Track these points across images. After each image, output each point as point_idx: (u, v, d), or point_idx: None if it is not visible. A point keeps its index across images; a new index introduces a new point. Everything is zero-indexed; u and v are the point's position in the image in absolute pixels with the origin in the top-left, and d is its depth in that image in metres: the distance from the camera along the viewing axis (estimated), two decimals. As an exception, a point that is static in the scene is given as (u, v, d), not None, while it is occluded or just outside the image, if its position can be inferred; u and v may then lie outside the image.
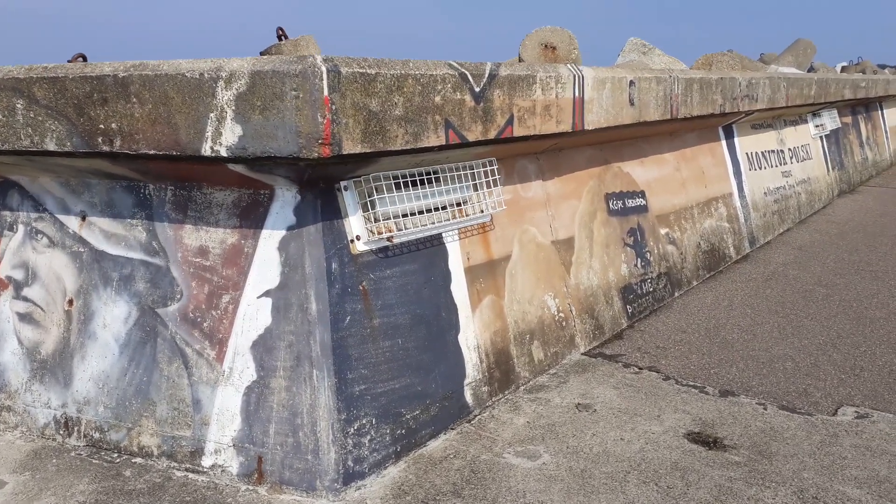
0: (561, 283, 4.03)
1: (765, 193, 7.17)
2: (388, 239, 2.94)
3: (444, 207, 3.32)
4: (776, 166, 7.71)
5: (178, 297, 2.94)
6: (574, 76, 3.63)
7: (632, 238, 4.80)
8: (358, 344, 2.82)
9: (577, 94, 3.66)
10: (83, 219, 3.16)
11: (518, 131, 3.28)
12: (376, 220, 2.93)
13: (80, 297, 3.13)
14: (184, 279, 2.94)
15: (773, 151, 7.73)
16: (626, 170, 4.89)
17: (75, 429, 3.07)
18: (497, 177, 3.48)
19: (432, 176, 3.25)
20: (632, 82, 4.19)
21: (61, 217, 3.21)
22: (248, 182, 2.82)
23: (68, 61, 3.29)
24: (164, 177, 2.96)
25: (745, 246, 6.45)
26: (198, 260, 2.92)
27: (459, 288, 3.34)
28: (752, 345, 4.18)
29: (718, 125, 6.38)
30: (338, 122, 2.40)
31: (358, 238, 2.88)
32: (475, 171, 3.46)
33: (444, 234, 3.31)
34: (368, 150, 2.54)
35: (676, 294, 5.17)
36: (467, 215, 3.43)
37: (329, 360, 2.72)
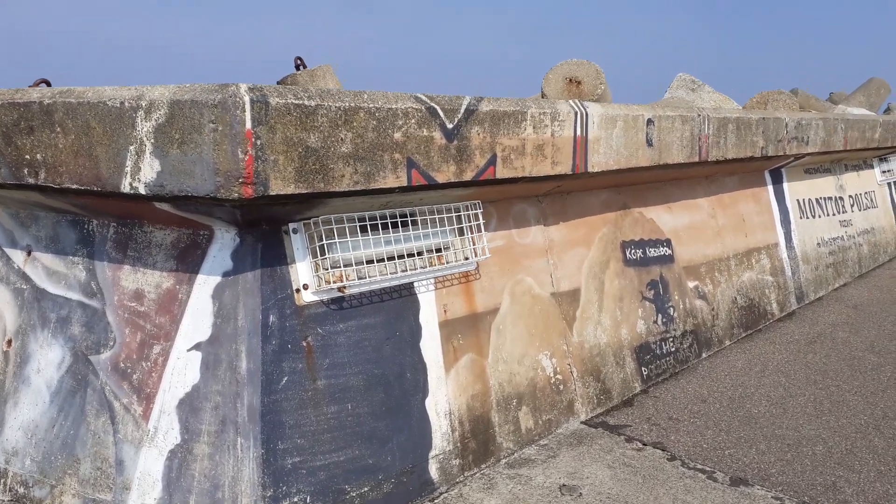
0: (560, 341, 3.62)
1: (818, 244, 6.56)
2: (340, 289, 2.62)
3: (419, 253, 2.99)
4: (833, 215, 7.08)
5: (111, 344, 2.68)
6: (576, 113, 3.27)
7: (652, 291, 4.35)
8: (295, 409, 2.48)
9: (579, 132, 3.29)
10: (28, 253, 2.95)
11: (502, 173, 2.92)
12: (329, 268, 2.62)
13: (18, 338, 2.91)
14: (118, 325, 2.67)
15: (829, 198, 7.11)
16: (648, 215, 4.46)
17: (1, 480, 2.82)
18: (481, 221, 3.13)
19: (409, 218, 2.93)
20: (650, 121, 3.79)
21: (8, 250, 3.01)
22: (186, 222, 2.55)
23: (30, 86, 3.13)
24: (104, 213, 2.73)
25: (791, 302, 5.87)
26: (133, 304, 2.65)
27: (431, 345, 2.98)
28: (780, 421, 3.65)
29: (763, 169, 5.86)
30: (263, 158, 2.10)
31: (305, 287, 2.57)
32: (460, 213, 3.12)
33: (415, 284, 2.96)
34: (305, 191, 2.23)
35: (704, 355, 4.66)
36: (447, 263, 3.08)
37: (256, 426, 2.39)
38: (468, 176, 2.77)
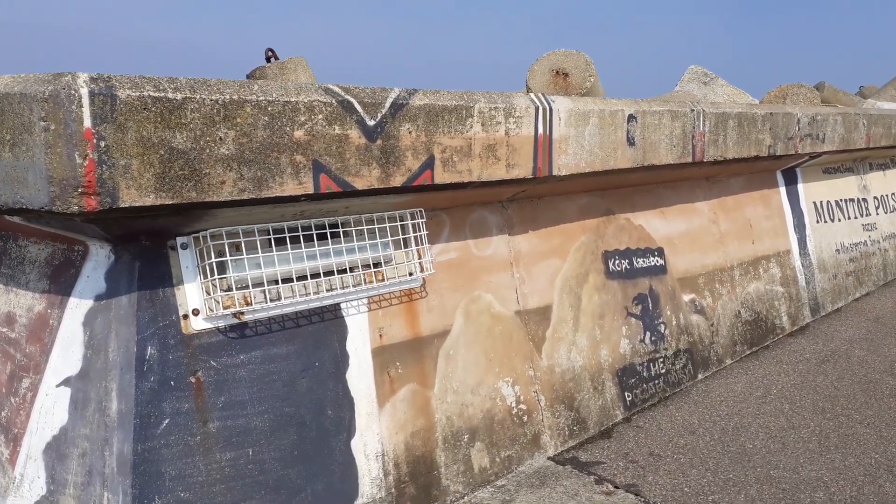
0: (525, 365, 3.20)
1: (837, 251, 6.04)
2: (236, 315, 2.23)
3: (351, 269, 2.59)
4: (855, 218, 6.54)
5: (-18, 374, 2.32)
6: (537, 108, 2.84)
7: (639, 306, 3.90)
8: (178, 457, 2.11)
9: (541, 130, 2.87)
10: None
11: (442, 177, 2.52)
12: (230, 288, 2.24)
13: None
14: (-10, 352, 2.32)
15: (851, 200, 6.57)
16: (637, 222, 4.01)
17: None
18: (423, 232, 2.72)
19: (341, 229, 2.54)
20: (631, 117, 3.35)
21: None
22: (58, 236, 2.18)
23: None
24: (-23, 222, 2.37)
25: (805, 315, 5.36)
26: (4, 330, 2.30)
27: (361, 376, 2.58)
28: (778, 459, 3.20)
29: (774, 169, 5.36)
30: (110, 163, 1.72)
31: (195, 313, 2.19)
32: (404, 223, 2.72)
33: (343, 305, 2.57)
34: (171, 202, 1.85)
35: (700, 376, 4.20)
36: (385, 279, 2.68)
37: (127, 479, 2.02)
38: (397, 181, 2.37)
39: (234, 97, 1.92)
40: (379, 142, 2.29)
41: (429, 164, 2.46)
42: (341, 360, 2.53)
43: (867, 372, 4.32)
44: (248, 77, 5.01)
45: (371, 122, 2.25)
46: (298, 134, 2.07)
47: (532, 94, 2.89)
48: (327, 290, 2.50)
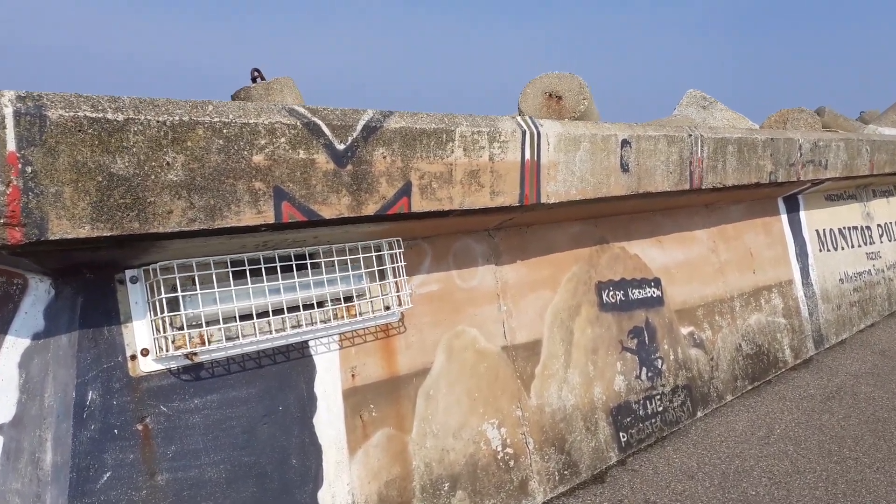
0: (512, 405, 3.00)
1: (840, 280, 5.85)
2: (188, 356, 2.04)
3: (320, 304, 2.41)
4: (859, 246, 6.36)
5: (-87, 417, 2.12)
6: (524, 132, 2.67)
7: (635, 340, 3.70)
8: (119, 514, 1.90)
9: (528, 155, 2.70)
10: None
11: (421, 205, 2.34)
12: (182, 327, 2.05)
13: None
14: (-78, 394, 2.12)
15: (854, 228, 6.39)
16: (632, 251, 3.83)
17: None
18: (400, 263, 2.54)
19: (309, 261, 2.35)
20: (625, 142, 3.18)
21: None
22: (-4, 267, 2.00)
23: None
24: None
25: (808, 347, 5.16)
26: (-63, 369, 2.10)
27: (330, 420, 2.38)
28: (783, 509, 2.98)
29: (776, 196, 5.19)
30: (38, 191, 1.54)
31: (144, 353, 2.00)
32: (380, 253, 2.54)
33: (311, 343, 2.38)
34: (110, 234, 1.66)
35: (699, 414, 3.99)
36: (358, 314, 2.49)
37: (59, 541, 1.81)
38: (370, 209, 2.19)
39: (184, 118, 1.75)
40: (349, 167, 2.11)
41: (405, 192, 2.28)
42: (308, 404, 2.33)
43: (875, 410, 4.11)
44: (232, 98, 4.87)
45: (340, 146, 2.08)
46: (258, 159, 1.89)
47: (519, 118, 2.72)
48: (293, 327, 2.30)
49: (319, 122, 2.03)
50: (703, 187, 3.73)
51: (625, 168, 3.20)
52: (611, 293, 3.63)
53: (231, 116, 1.84)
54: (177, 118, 1.74)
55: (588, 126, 3.04)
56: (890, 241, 7.01)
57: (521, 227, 3.24)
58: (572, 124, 2.96)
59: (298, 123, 1.98)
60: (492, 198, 2.58)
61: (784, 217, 5.30)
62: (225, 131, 1.82)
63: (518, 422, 3.00)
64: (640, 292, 3.80)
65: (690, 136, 3.59)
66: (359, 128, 2.12)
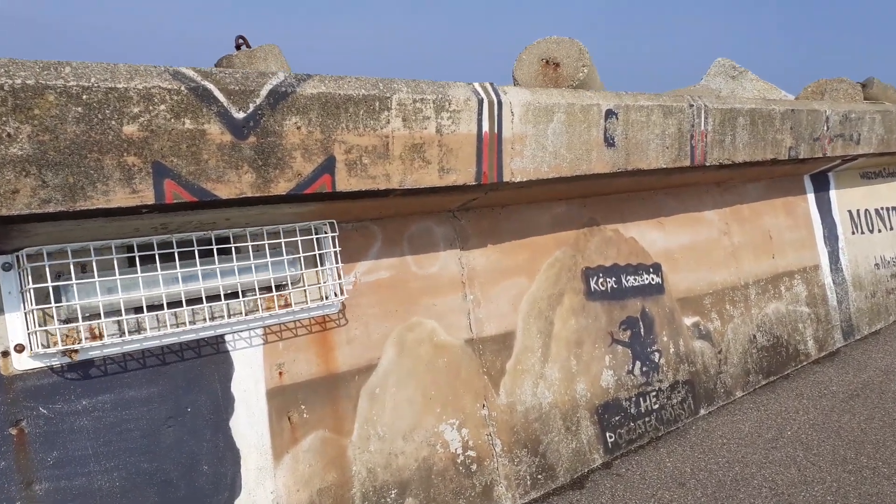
0: (477, 404, 2.72)
1: (876, 265, 5.38)
2: (68, 353, 1.81)
3: (243, 293, 2.16)
4: (899, 228, 5.85)
5: None
6: (481, 101, 2.37)
7: (628, 332, 3.38)
8: (-18, 530, 1.70)
9: (487, 127, 2.39)
10: None
11: (348, 183, 2.06)
12: (68, 320, 1.82)
13: None
14: None
15: (894, 209, 5.88)
16: (627, 234, 3.49)
17: None
18: (335, 248, 2.28)
19: (228, 245, 2.11)
20: (610, 112, 2.84)
21: None
22: None
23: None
24: None
25: (836, 338, 4.74)
26: None
27: (251, 423, 2.15)
28: (780, 526, 2.65)
29: (802, 173, 4.75)
30: None
31: (19, 349, 1.78)
32: (313, 237, 2.28)
33: (227, 338, 2.13)
34: (-62, 217, 1.43)
35: (703, 412, 3.65)
36: (290, 305, 2.24)
37: None
38: (281, 188, 1.93)
39: (29, 82, 1.50)
40: (252, 139, 1.85)
41: (328, 168, 2.01)
42: (223, 404, 2.10)
43: (903, 411, 3.71)
44: (215, 66, 4.64)
45: (239, 115, 1.81)
46: (130, 129, 1.64)
47: (476, 84, 2.41)
48: (207, 320, 2.06)
49: (211, 87, 1.76)
50: (707, 164, 3.36)
51: (610, 142, 2.86)
52: (600, 280, 3.31)
53: (94, 80, 1.59)
54: (19, 82, 1.49)
55: (564, 94, 2.71)
56: (936, 222, 6.46)
57: (495, 207, 2.94)
58: (544, 92, 2.64)
59: (183, 88, 1.71)
60: (441, 175, 2.29)
61: (811, 196, 4.86)
62: (85, 97, 1.57)
63: (483, 422, 2.73)
64: (635, 279, 3.47)
65: (692, 106, 3.22)
66: (263, 93, 1.85)
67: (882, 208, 5.69)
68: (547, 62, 4.19)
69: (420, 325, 2.60)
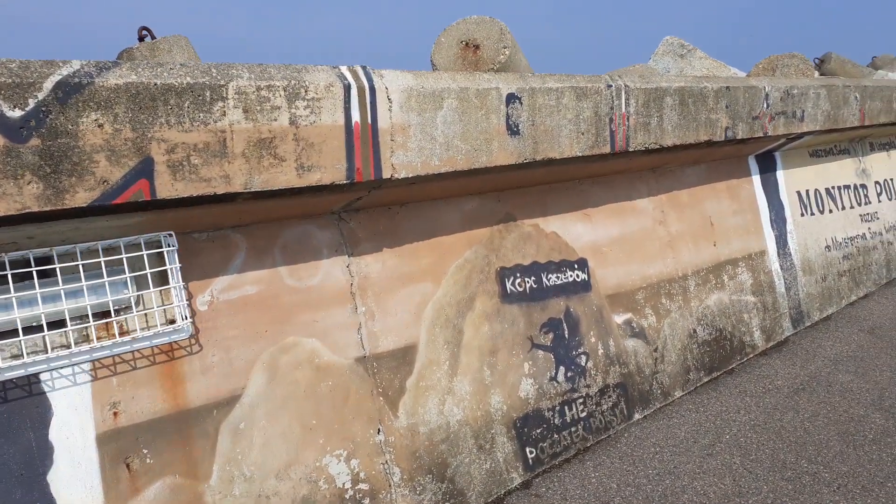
0: (370, 431, 2.42)
1: (827, 247, 5.17)
2: None
3: (60, 322, 1.83)
4: (851, 207, 5.65)
5: None
6: (348, 86, 2.04)
7: (550, 335, 3.10)
8: None
9: (358, 117, 2.07)
10: None
11: (172, 189, 1.73)
12: None
13: None
14: None
15: (846, 187, 5.68)
16: (548, 228, 3.20)
17: None
18: (174, 265, 1.95)
19: (55, 265, 1.77)
20: (512, 97, 2.53)
21: None
22: None
23: None
24: None
25: (784, 327, 4.52)
26: None
27: (76, 475, 1.82)
28: (708, 551, 2.39)
29: (746, 154, 4.51)
30: None
31: None
32: (144, 253, 1.95)
33: (42, 377, 1.80)
34: None
35: (637, 416, 3.39)
36: (126, 333, 1.91)
37: None
38: (80, 199, 1.59)
39: None
40: (35, 142, 1.51)
41: (143, 172, 1.67)
42: (39, 457, 1.77)
43: (849, 405, 3.48)
44: (117, 58, 4.26)
45: (15, 113, 1.47)
46: None
47: (344, 68, 2.09)
48: (11, 357, 1.73)
49: (-32, 80, 1.42)
50: (631, 149, 3.08)
51: (514, 130, 2.56)
52: (518, 281, 3.02)
53: None
54: None
55: (456, 77, 2.40)
56: (890, 199, 6.29)
57: (391, 206, 2.63)
58: (431, 75, 2.32)
59: (-74, 82, 1.37)
60: (300, 174, 1.97)
61: (756, 178, 4.62)
62: None
63: (377, 450, 2.43)
64: (558, 277, 3.18)
65: (610, 87, 2.93)
66: (48, 86, 1.51)
67: (833, 187, 5.48)
68: (467, 44, 3.88)
69: (297, 346, 2.29)
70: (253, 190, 1.88)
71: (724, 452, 3.06)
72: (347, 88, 2.04)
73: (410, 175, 2.25)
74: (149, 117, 1.67)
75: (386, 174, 2.17)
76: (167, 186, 1.72)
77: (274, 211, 2.18)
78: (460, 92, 2.36)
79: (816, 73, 9.43)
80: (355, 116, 2.06)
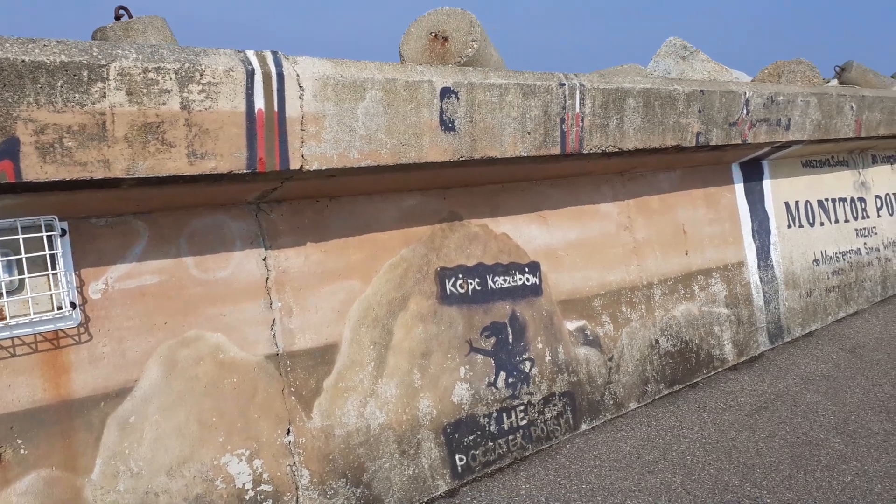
0: (277, 431, 2.34)
1: (815, 261, 4.99)
2: None
3: (-59, 305, 1.76)
4: (846, 221, 5.46)
5: None
6: (252, 72, 1.95)
7: (492, 339, 2.99)
8: None
9: (262, 104, 1.98)
10: None
11: (41, 172, 1.65)
12: None
13: None
14: None
15: (842, 200, 5.49)
16: (498, 229, 3.09)
17: None
18: (57, 251, 1.87)
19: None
20: (448, 91, 2.43)
21: None
22: None
23: None
24: None
25: (760, 342, 4.36)
26: None
27: (-63, 463, 1.76)
28: (622, 577, 2.28)
29: (729, 161, 4.35)
30: None
31: None
32: (25, 237, 1.88)
33: None
34: None
35: (584, 427, 3.28)
36: (3, 318, 1.84)
37: None
38: (-69, 179, 1.51)
39: None
40: None
41: (7, 152, 1.60)
42: None
43: (810, 427, 3.34)
44: (92, 38, 4.21)
45: None
46: None
47: (250, 53, 1.99)
48: None
49: None
50: (586, 152, 2.95)
51: (448, 126, 2.45)
52: (459, 282, 2.91)
53: None
54: None
55: (383, 68, 2.29)
56: (891, 215, 6.07)
57: (320, 198, 2.54)
58: (354, 64, 2.22)
59: None
60: (192, 161, 1.88)
61: (739, 187, 4.46)
62: None
63: (285, 451, 2.34)
64: (505, 280, 3.07)
65: (563, 85, 2.80)
66: None
67: (826, 199, 5.30)
68: (436, 36, 3.77)
69: (200, 340, 2.21)
70: (137, 176, 1.80)
71: (666, 470, 2.94)
72: (251, 74, 1.95)
73: (324, 167, 2.15)
74: (14, 95, 1.59)
75: (294, 165, 2.07)
76: (35, 169, 1.64)
77: (178, 198, 2.10)
78: (386, 83, 2.26)
79: (835, 82, 9.17)
80: (259, 103, 1.97)
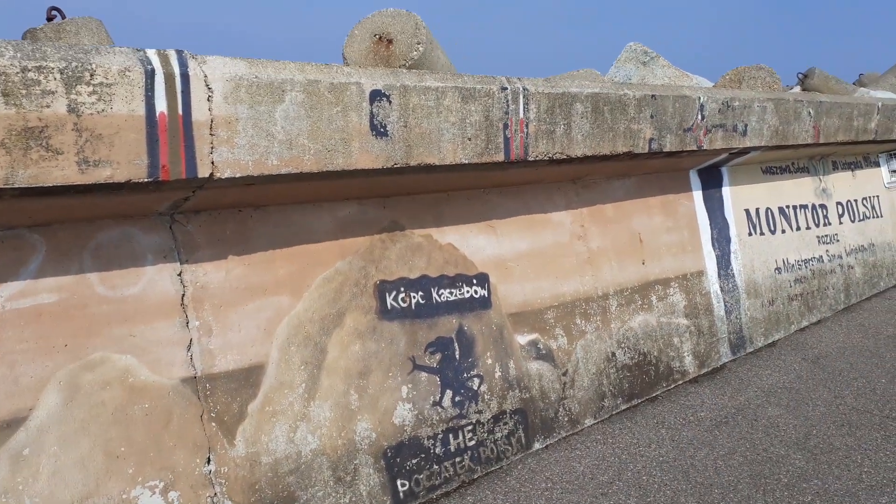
0: (196, 460, 2.16)
1: (777, 270, 4.92)
2: None
3: None
4: (808, 228, 5.41)
5: None
6: (152, 72, 1.79)
7: (438, 356, 2.84)
8: None
9: (165, 107, 1.82)
10: None
11: None
12: None
13: None
14: None
15: (803, 207, 5.43)
16: (444, 239, 2.95)
17: None
18: (-72, 272, 1.69)
19: None
20: (379, 94, 2.28)
21: None
22: None
23: None
24: None
25: (722, 353, 4.26)
26: None
27: None
28: None
29: (686, 168, 4.26)
30: None
31: None
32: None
33: None
34: None
35: (537, 446, 3.14)
36: None
37: None
38: None
39: None
40: None
41: None
42: None
43: (771, 443, 3.23)
44: (22, 37, 4.01)
45: None
46: None
47: (151, 52, 1.84)
48: None
49: None
50: (532, 159, 2.83)
51: (380, 131, 2.31)
52: (401, 296, 2.76)
53: None
54: None
55: (305, 69, 2.14)
56: (853, 221, 6.04)
57: (244, 208, 2.38)
58: (271, 64, 2.07)
59: None
60: (83, 170, 1.71)
61: (697, 194, 4.37)
62: None
63: (205, 481, 2.17)
64: (451, 293, 2.93)
65: (505, 89, 2.68)
66: None
67: (787, 206, 5.24)
68: (380, 38, 3.65)
69: (106, 363, 2.03)
70: (18, 186, 1.63)
71: (620, 492, 2.80)
72: (150, 74, 1.79)
73: (239, 175, 1.99)
74: None
75: (203, 173, 1.91)
76: None
77: (77, 210, 1.93)
78: (308, 85, 2.11)
79: (798, 88, 9.21)
80: (160, 106, 1.81)
